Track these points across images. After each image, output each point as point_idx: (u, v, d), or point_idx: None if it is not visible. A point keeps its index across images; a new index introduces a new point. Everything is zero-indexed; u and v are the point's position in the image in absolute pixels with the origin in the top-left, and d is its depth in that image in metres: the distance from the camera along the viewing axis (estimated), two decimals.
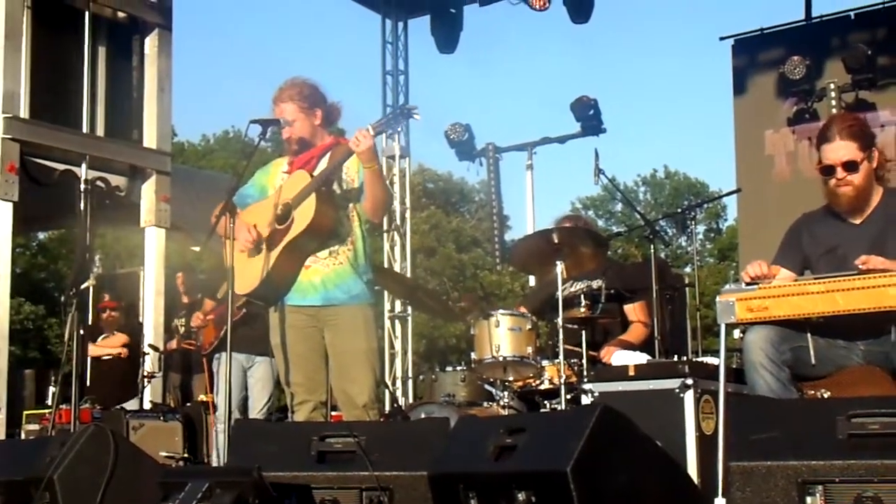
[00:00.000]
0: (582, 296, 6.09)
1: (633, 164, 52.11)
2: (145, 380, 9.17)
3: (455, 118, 9.91)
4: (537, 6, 9.07)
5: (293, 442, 4.38)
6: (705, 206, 38.31)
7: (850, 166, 4.38)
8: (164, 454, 7.46)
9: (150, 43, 10.53)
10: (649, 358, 5.76)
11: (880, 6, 8.62)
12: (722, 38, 9.48)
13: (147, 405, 9.22)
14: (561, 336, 5.78)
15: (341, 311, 4.98)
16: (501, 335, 6.07)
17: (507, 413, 5.96)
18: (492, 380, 6.29)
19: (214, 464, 6.75)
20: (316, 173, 4.99)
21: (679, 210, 8.21)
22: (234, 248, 4.82)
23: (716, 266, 37.25)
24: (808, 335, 4.30)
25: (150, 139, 10.40)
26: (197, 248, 6.68)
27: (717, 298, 4.28)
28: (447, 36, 9.96)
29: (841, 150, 4.40)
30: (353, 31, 56.28)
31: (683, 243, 37.47)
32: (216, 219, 4.92)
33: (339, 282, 4.98)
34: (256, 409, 7.11)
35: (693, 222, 7.37)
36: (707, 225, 41.00)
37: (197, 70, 54.05)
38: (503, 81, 63.08)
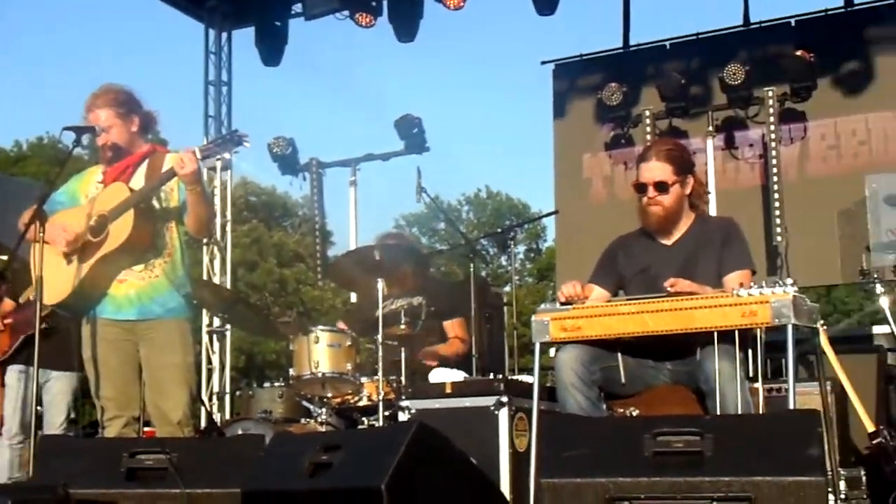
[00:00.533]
0: (402, 313, 6.11)
1: (458, 183, 52.60)
2: None
3: (279, 131, 9.83)
4: (363, 23, 9.07)
5: (102, 458, 4.23)
6: (525, 226, 39.12)
7: (661, 187, 4.55)
8: None
9: None
10: (466, 375, 5.82)
11: (693, 37, 8.97)
12: (543, 63, 9.68)
13: None
14: (380, 353, 5.78)
15: (157, 325, 4.85)
16: (320, 351, 6.03)
17: (324, 430, 5.92)
18: (310, 396, 6.24)
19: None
20: (133, 183, 4.85)
21: (499, 230, 8.32)
22: (42, 256, 4.63)
23: (535, 286, 38.01)
24: (619, 355, 4.43)
25: None
26: (4, 258, 6.35)
27: (533, 318, 4.36)
28: (272, 49, 9.84)
29: (655, 170, 4.56)
30: (177, 41, 55.13)
31: (504, 262, 38.11)
32: (25, 226, 4.73)
33: (154, 295, 4.85)
34: (55, 426, 6.77)
35: (513, 242, 7.48)
36: (527, 245, 41.80)
37: (11, 73, 51.94)
38: (328, 96, 62.95)
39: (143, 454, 4.15)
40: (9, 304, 6.97)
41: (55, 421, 6.79)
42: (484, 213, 43.12)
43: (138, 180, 4.88)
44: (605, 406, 4.48)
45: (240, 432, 5.92)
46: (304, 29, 10.26)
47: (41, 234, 4.64)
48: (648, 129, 8.52)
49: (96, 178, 4.99)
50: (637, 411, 4.37)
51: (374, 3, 9.14)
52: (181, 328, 4.91)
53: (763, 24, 8.73)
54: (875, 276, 7.11)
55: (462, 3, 8.87)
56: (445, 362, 6.34)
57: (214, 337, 10.36)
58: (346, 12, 9.25)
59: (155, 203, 4.86)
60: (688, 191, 4.62)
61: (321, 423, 5.98)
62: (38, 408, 6.82)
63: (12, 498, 3.73)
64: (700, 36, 8.95)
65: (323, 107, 59.15)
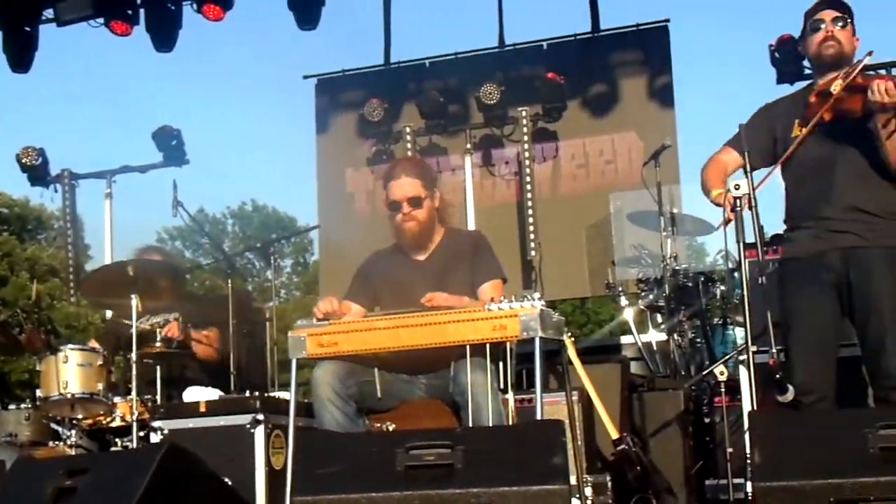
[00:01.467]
0: (158, 330, 5.96)
1: (222, 195, 51.76)
2: None
3: (28, 141, 9.39)
4: (119, 31, 8.77)
5: None
6: (292, 240, 38.91)
7: (415, 202, 4.63)
8: None
9: None
10: (222, 394, 5.73)
11: (452, 56, 9.14)
12: (306, 77, 9.65)
13: None
14: (134, 371, 5.62)
15: None
16: (70, 371, 5.80)
17: (74, 452, 5.69)
18: (59, 418, 5.98)
19: None
20: None
21: (260, 244, 8.25)
22: None
23: (302, 300, 37.83)
24: (375, 370, 4.46)
25: None
26: None
27: (289, 334, 4.35)
28: (20, 54, 9.38)
29: (406, 186, 4.64)
30: None
31: (270, 276, 37.77)
32: None
33: None
34: None
35: (275, 256, 7.44)
36: (294, 259, 41.59)
37: None
38: (83, 105, 60.46)
39: None
40: None
41: None
42: (250, 226, 42.59)
43: None
44: (364, 421, 4.50)
45: None
46: (57, 35, 9.86)
47: None
48: (409, 145, 8.63)
49: None
50: (393, 426, 4.41)
51: (129, 12, 8.84)
52: None
53: (517, 46, 8.99)
54: (620, 288, 7.48)
55: (222, 15, 8.71)
56: (198, 369, 6.24)
57: None
58: (101, 20, 8.93)
59: None
60: (437, 204, 4.72)
61: (71, 447, 5.75)
62: None
63: None
64: (458, 55, 9.13)
65: (77, 116, 57.00)
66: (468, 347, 4.17)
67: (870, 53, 4.22)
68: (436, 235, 4.75)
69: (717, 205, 4.35)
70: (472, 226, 8.08)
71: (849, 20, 4.41)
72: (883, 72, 5.25)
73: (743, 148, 4.30)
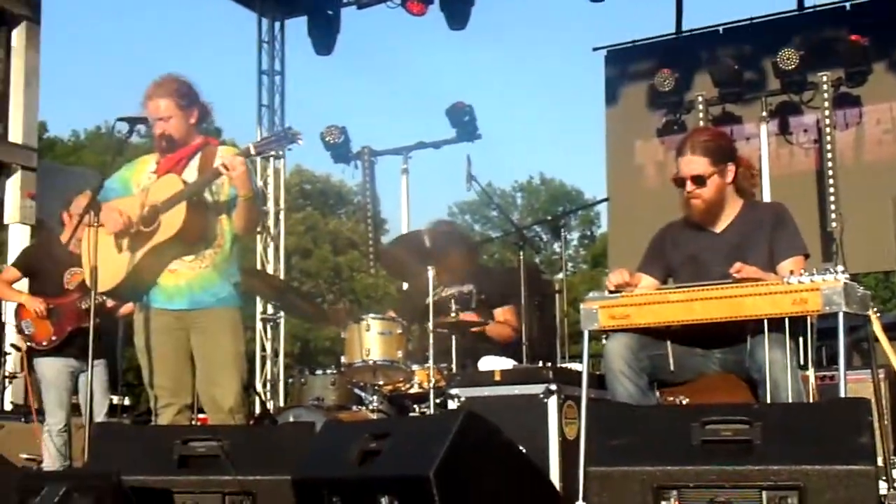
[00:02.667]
0: (452, 300, 6.12)
1: (510, 170, 52.62)
2: (6, 380, 8.89)
3: (331, 120, 9.90)
4: (415, 11, 9.10)
5: (155, 446, 4.31)
6: (579, 213, 38.99)
7: (698, 180, 4.51)
8: (24, 456, 7.22)
9: (17, 36, 10.26)
10: (516, 363, 5.83)
11: (748, 22, 8.88)
12: (595, 49, 9.64)
13: (8, 406, 8.94)
14: (431, 340, 5.81)
15: (208, 314, 4.91)
16: (372, 339, 6.07)
17: (375, 417, 5.96)
18: (361, 383, 6.28)
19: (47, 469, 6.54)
20: (185, 175, 4.91)
21: (551, 217, 8.33)
22: (97, 245, 4.71)
23: (589, 272, 37.87)
24: (668, 343, 4.40)
25: (15, 134, 10.12)
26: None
27: (581, 306, 4.36)
28: (324, 38, 9.90)
29: (691, 164, 4.52)
30: (230, 31, 55.53)
31: (557, 249, 38.02)
32: (80, 214, 4.82)
33: (205, 285, 4.91)
34: (99, 415, 6.81)
35: (565, 229, 7.49)
36: (581, 232, 41.68)
37: (68, 64, 52.63)
38: (380, 85, 63.04)
39: (196, 441, 4.22)
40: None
41: (98, 410, 6.83)
42: (537, 200, 43.04)
43: (191, 172, 4.94)
44: (656, 394, 4.47)
45: (292, 420, 5.96)
46: (357, 17, 10.32)
47: (96, 224, 4.73)
48: (701, 114, 8.47)
49: (149, 168, 5.06)
50: (686, 399, 4.35)
51: None
52: (231, 317, 4.97)
53: (817, 9, 8.63)
54: None
55: None
56: (490, 344, 6.36)
57: (268, 325, 10.46)
58: (398, 1, 9.29)
59: (207, 196, 4.92)
60: (728, 179, 4.56)
61: (372, 411, 6.03)
62: (75, 397, 6.90)
63: (67, 484, 3.81)
64: (753, 21, 8.86)
65: (375, 95, 59.40)
66: (766, 322, 4.04)
67: None
68: (731, 208, 4.60)
69: None
70: (767, 197, 7.82)
71: None
72: None
73: None
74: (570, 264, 41.49)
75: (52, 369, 6.73)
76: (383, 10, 9.48)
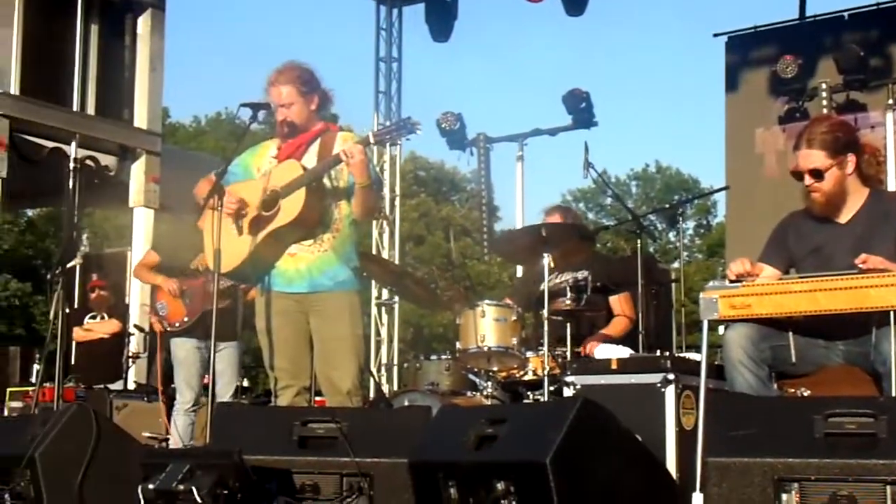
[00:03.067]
0: (568, 288, 6.09)
1: (625, 158, 52.25)
2: (130, 360, 9.17)
3: (447, 107, 9.93)
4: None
5: (275, 426, 4.40)
6: (695, 202, 38.43)
7: (816, 174, 4.41)
8: (146, 435, 7.44)
9: (143, 22, 10.53)
10: (632, 352, 5.78)
11: (874, 7, 8.64)
12: (716, 35, 9.50)
13: (131, 385, 9.22)
14: (546, 327, 5.78)
15: (327, 297, 4.99)
16: (487, 325, 6.08)
17: (490, 403, 5.98)
18: (476, 369, 6.30)
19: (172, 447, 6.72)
20: (305, 160, 5.00)
21: (667, 206, 8.24)
22: (220, 228, 4.83)
23: (704, 262, 37.33)
24: (790, 334, 4.32)
25: (140, 119, 10.40)
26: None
27: (701, 295, 4.30)
28: (441, 24, 9.95)
29: (808, 157, 4.42)
30: (348, 18, 56.12)
31: (672, 238, 37.56)
32: (204, 200, 4.94)
33: (324, 268, 4.99)
34: (225, 395, 6.99)
35: (681, 218, 7.40)
36: (697, 221, 41.08)
37: (190, 51, 53.86)
38: (496, 72, 63.03)
39: (315, 423, 4.29)
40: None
41: (226, 391, 7.01)
42: (652, 188, 42.56)
43: (310, 158, 5.03)
44: (774, 386, 4.39)
45: (407, 404, 6.02)
46: (474, 4, 10.35)
47: (219, 206, 4.85)
48: (825, 102, 8.29)
49: (270, 153, 5.16)
50: (808, 391, 4.28)
51: None
52: (350, 300, 5.04)
53: None
54: None
55: None
56: (612, 342, 6.31)
57: (383, 309, 10.58)
58: None
59: (326, 181, 5.00)
60: (849, 170, 4.44)
61: (486, 397, 6.04)
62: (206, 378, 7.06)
63: (190, 462, 3.92)
64: (880, 6, 8.63)
65: (491, 82, 59.39)
66: (892, 314, 3.94)
67: None
68: (855, 198, 4.49)
69: None
70: (892, 186, 7.61)
71: None
72: None
73: None
74: (685, 253, 41.08)
75: (182, 349, 6.96)
76: None
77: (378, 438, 4.21)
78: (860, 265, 4.03)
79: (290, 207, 4.89)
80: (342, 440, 4.15)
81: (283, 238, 4.98)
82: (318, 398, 5.93)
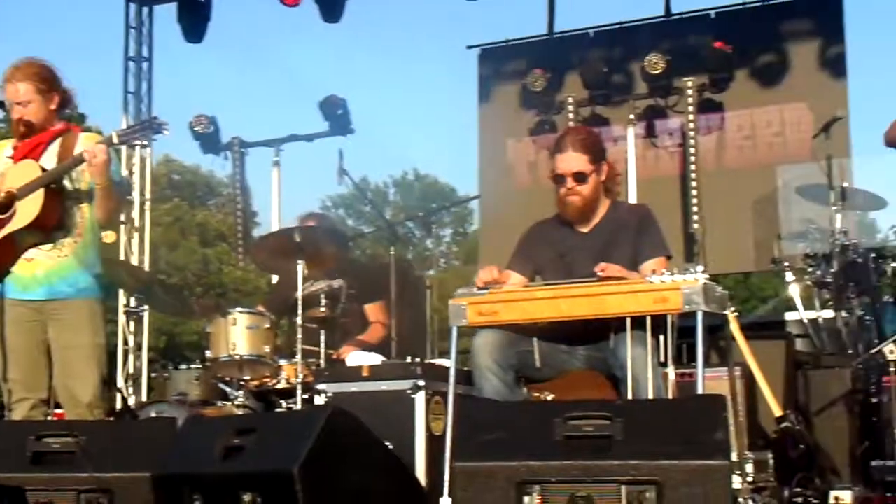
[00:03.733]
0: (322, 295, 6.08)
1: (385, 165, 52.53)
2: None
3: (202, 110, 9.70)
4: (288, 2, 8.99)
5: (7, 441, 4.19)
6: (452, 209, 39.22)
7: (580, 177, 4.59)
8: None
9: None
10: (384, 359, 5.82)
11: (616, 26, 9.02)
12: (469, 47, 9.68)
13: None
14: (299, 335, 5.76)
15: (67, 305, 4.79)
16: (238, 333, 5.97)
17: (241, 413, 5.89)
18: (227, 379, 6.19)
19: None
20: (43, 161, 4.78)
21: (420, 213, 8.34)
22: None
23: (462, 269, 38.11)
24: (535, 339, 4.46)
25: None
26: None
27: (450, 302, 4.39)
28: (194, 25, 9.69)
29: (572, 160, 4.60)
30: (96, 14, 53.97)
31: (430, 245, 38.14)
32: None
33: (64, 275, 4.79)
34: None
35: (436, 225, 7.52)
36: (454, 228, 41.90)
37: None
38: (253, 75, 62.21)
39: (51, 437, 4.11)
40: None
41: None
42: (411, 195, 43.09)
43: (49, 159, 4.81)
44: (522, 390, 4.52)
45: (154, 415, 5.85)
46: (229, 6, 10.15)
47: None
48: (571, 115, 8.56)
49: (5, 153, 4.91)
50: (552, 395, 4.42)
51: None
52: (91, 308, 4.85)
53: (684, 15, 8.81)
54: (786, 264, 7.27)
55: None
56: (369, 349, 6.33)
57: (131, 318, 10.21)
58: None
59: (66, 183, 4.79)
60: (603, 178, 4.68)
61: (238, 406, 5.94)
62: None
63: None
64: (623, 25, 9.00)
65: (247, 86, 58.57)
66: (629, 320, 4.13)
67: None
68: (601, 208, 4.70)
69: None
70: (633, 198, 7.98)
71: None
72: None
73: None
74: (442, 260, 41.74)
75: None
76: None
77: (120, 452, 4.08)
78: (599, 273, 4.21)
79: (27, 210, 4.66)
80: (80, 455, 3.99)
81: (20, 242, 4.74)
82: (58, 411, 5.67)
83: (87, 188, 4.82)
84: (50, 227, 4.76)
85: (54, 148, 4.85)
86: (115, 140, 4.70)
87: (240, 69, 59.37)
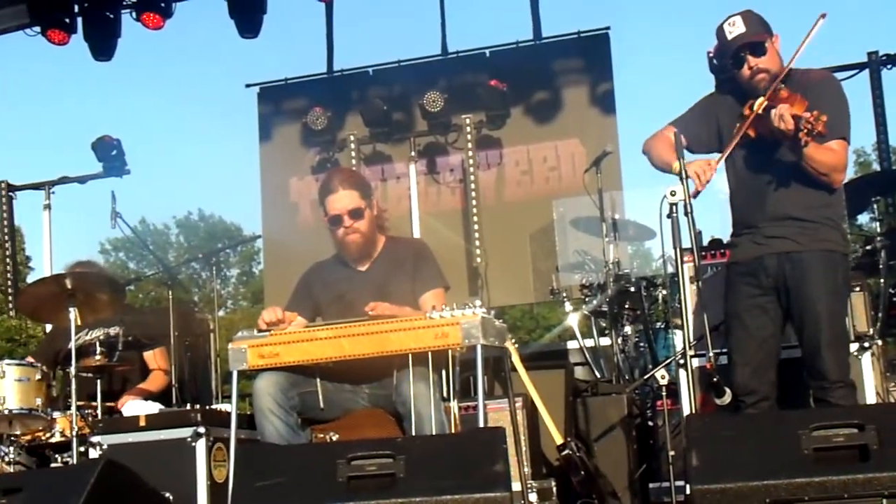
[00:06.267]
0: (98, 343, 5.89)
1: (167, 205, 51.27)
2: None
3: None
4: (56, 41, 8.68)
5: None
6: (238, 249, 38.67)
7: (356, 213, 4.61)
8: None
9: None
10: (162, 407, 5.67)
11: (395, 64, 9.13)
12: (248, 86, 9.61)
13: None
14: (73, 386, 5.55)
15: None
16: (7, 386, 5.71)
17: (13, 470, 5.59)
18: None
19: None
20: None
21: (201, 255, 8.18)
22: None
23: (249, 310, 37.56)
24: (318, 380, 4.43)
25: None
26: None
27: (230, 345, 4.30)
28: None
29: (345, 199, 4.61)
30: None
31: (217, 286, 37.43)
32: None
33: None
34: None
35: (218, 266, 7.37)
36: (241, 268, 41.31)
37: None
38: (20, 114, 59.57)
39: None
40: None
41: None
42: (196, 235, 42.23)
43: None
44: (307, 432, 4.46)
45: None
46: None
47: None
48: (353, 153, 8.60)
49: None
50: (337, 436, 4.38)
51: (67, 21, 8.75)
52: None
53: (460, 54, 9.01)
54: (564, 294, 7.50)
55: (162, 24, 8.65)
56: (151, 397, 6.16)
57: None
58: (38, 29, 8.83)
59: None
60: (375, 212, 4.71)
61: (9, 463, 5.65)
62: None
63: None
64: (402, 63, 9.12)
65: (15, 125, 56.05)
66: (410, 356, 4.15)
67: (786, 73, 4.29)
68: (377, 244, 4.73)
69: (683, 177, 4.24)
70: (416, 233, 8.07)
71: (766, 42, 4.39)
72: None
73: (686, 131, 4.36)
74: (230, 301, 41.10)
75: None
76: (22, 37, 8.98)
77: None
78: (370, 312, 4.22)
79: None
80: None
81: None
82: None
83: None
84: None
85: None
86: None
87: (6, 110, 56.77)
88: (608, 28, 8.63)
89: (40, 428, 5.81)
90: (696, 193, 4.24)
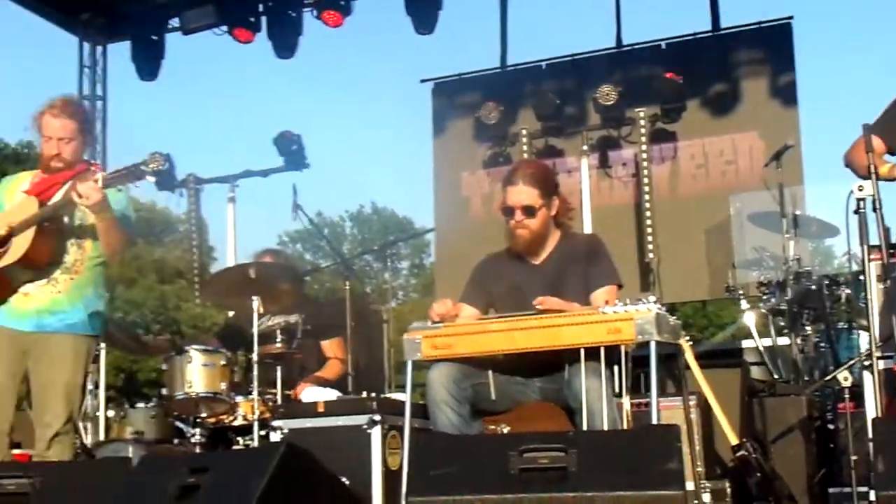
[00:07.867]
0: (278, 331, 6.07)
1: (342, 199, 52.42)
2: None
3: (156, 147, 9.64)
4: (242, 39, 9.01)
5: None
6: (409, 242, 39.22)
7: (528, 211, 4.61)
8: None
9: None
10: (340, 394, 5.81)
11: (568, 58, 9.10)
12: (423, 81, 9.73)
13: None
14: (255, 371, 5.73)
15: (51, 338, 4.79)
16: (194, 371, 5.94)
17: (198, 451, 5.84)
18: (184, 416, 6.15)
19: None
20: (52, 201, 4.80)
21: (376, 247, 8.33)
22: None
23: (420, 301, 38.06)
24: (490, 372, 4.46)
25: None
26: None
27: (404, 336, 4.38)
28: (148, 63, 9.70)
29: (522, 194, 4.61)
30: (50, 53, 53.66)
31: (388, 278, 38.08)
32: None
33: (54, 309, 4.81)
34: None
35: (394, 258, 7.53)
36: (411, 261, 41.89)
37: None
38: (208, 112, 62.00)
39: (5, 479, 4.04)
40: None
41: None
42: (369, 229, 43.06)
43: (59, 196, 4.84)
44: (478, 423, 4.51)
45: (110, 454, 5.79)
46: (183, 43, 10.15)
47: None
48: (525, 147, 8.62)
49: (23, 186, 4.95)
50: (508, 428, 4.41)
51: (252, 20, 9.08)
52: (76, 345, 4.84)
53: (635, 46, 8.91)
54: (740, 292, 7.32)
55: (342, 21, 8.88)
56: (326, 385, 6.32)
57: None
58: (225, 27, 9.18)
59: (66, 221, 4.83)
60: (553, 212, 4.69)
61: (195, 445, 5.89)
62: None
63: None
64: (575, 57, 9.09)
65: (202, 122, 58.33)
66: (583, 351, 4.14)
67: None
68: (551, 239, 4.73)
69: (872, 170, 4.11)
70: (588, 228, 8.03)
71: None
72: None
73: (886, 134, 4.21)
74: (400, 293, 41.68)
75: None
76: (210, 36, 9.34)
77: (74, 493, 4.02)
78: (538, 307, 4.22)
79: (18, 246, 4.72)
80: (34, 497, 3.93)
81: (12, 277, 4.78)
82: (17, 452, 5.59)
83: (92, 224, 4.81)
84: (40, 264, 4.78)
85: (68, 185, 4.84)
86: (100, 184, 4.67)
87: (195, 106, 59.09)
88: (791, 18, 8.39)
89: (224, 411, 6.04)
90: None
